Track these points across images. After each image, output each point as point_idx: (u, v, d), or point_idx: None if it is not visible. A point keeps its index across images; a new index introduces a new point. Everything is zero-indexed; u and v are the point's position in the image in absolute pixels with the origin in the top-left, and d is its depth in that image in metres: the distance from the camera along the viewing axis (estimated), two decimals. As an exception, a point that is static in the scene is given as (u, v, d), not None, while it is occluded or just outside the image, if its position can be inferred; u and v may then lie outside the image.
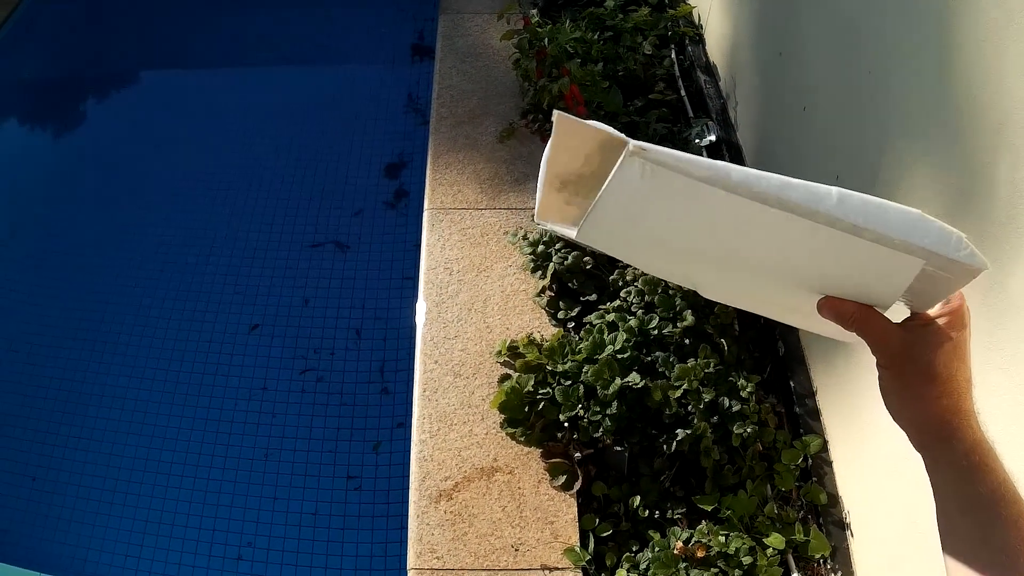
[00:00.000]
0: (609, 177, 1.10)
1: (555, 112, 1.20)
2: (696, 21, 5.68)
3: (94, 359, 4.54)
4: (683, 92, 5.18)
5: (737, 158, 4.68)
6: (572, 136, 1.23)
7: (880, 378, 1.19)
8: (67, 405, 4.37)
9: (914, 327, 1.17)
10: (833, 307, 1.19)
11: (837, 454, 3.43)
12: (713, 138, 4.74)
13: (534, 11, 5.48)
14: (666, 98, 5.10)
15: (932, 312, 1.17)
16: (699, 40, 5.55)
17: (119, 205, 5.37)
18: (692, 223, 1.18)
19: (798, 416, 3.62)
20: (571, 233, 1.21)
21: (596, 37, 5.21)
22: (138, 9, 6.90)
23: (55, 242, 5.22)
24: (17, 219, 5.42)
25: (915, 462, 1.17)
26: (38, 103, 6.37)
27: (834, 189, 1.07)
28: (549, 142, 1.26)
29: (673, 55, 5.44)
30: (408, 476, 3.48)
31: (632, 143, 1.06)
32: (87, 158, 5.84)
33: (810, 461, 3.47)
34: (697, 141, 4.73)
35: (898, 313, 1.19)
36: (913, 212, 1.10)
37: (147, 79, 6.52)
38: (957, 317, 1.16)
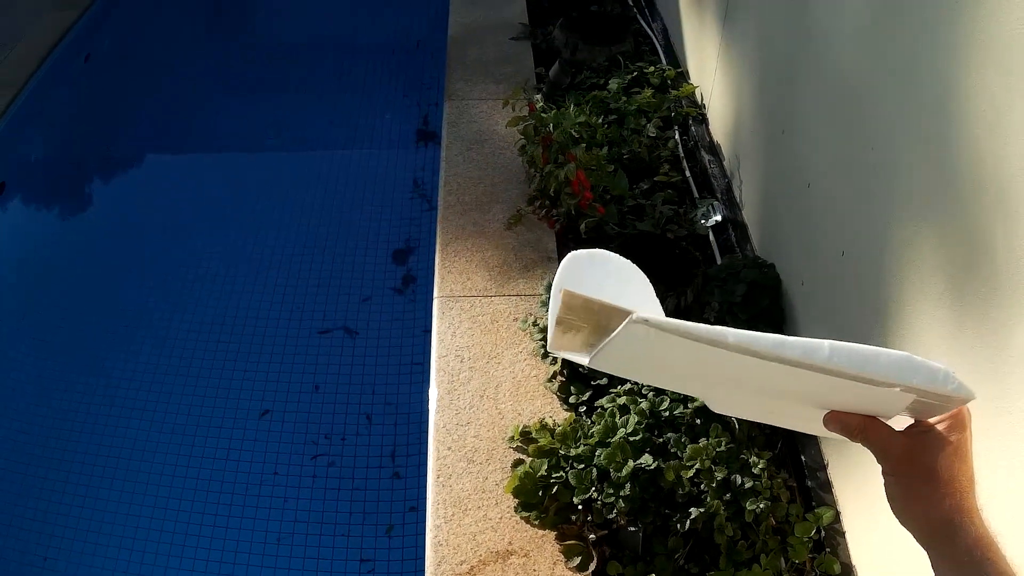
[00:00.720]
0: (613, 334, 1.14)
1: (564, 291, 1.25)
2: (699, 101, 5.72)
3: (104, 443, 4.53)
4: (688, 172, 5.22)
5: (743, 237, 4.68)
6: (579, 300, 1.27)
7: (885, 484, 1.23)
8: (76, 488, 4.36)
9: (916, 433, 1.22)
10: (838, 420, 1.24)
11: (850, 525, 3.43)
12: (719, 218, 4.77)
13: (538, 96, 5.50)
14: (671, 179, 5.13)
15: (934, 417, 1.21)
16: (702, 120, 5.57)
17: (125, 289, 5.38)
18: (696, 365, 1.23)
19: (810, 489, 3.63)
20: (583, 360, 1.26)
21: (600, 121, 5.25)
22: (145, 92, 7.00)
23: (61, 323, 5.23)
24: (22, 300, 5.44)
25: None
26: (44, 184, 6.42)
27: (826, 343, 1.11)
28: (556, 287, 1.31)
29: (677, 136, 5.48)
30: (422, 559, 3.46)
31: (635, 315, 1.10)
32: (92, 241, 5.88)
33: (823, 533, 3.46)
34: (703, 222, 4.75)
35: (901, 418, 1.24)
36: (901, 356, 1.14)
37: (153, 162, 6.58)
38: (957, 421, 1.21)
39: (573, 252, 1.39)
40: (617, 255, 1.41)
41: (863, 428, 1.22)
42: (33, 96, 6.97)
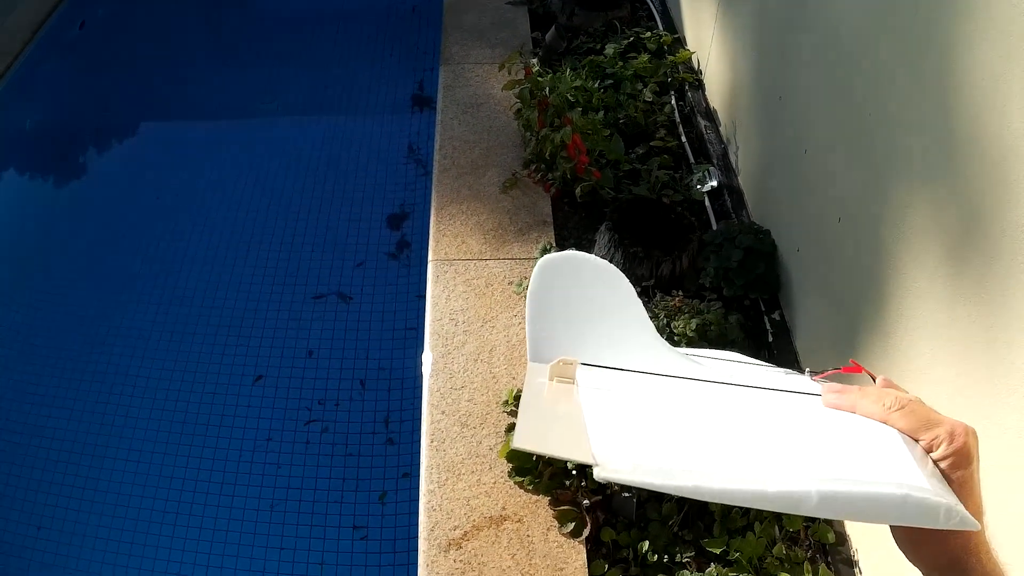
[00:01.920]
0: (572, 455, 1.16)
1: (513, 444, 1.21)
2: (696, 67, 5.71)
3: (96, 409, 4.53)
4: (684, 138, 5.21)
5: (739, 203, 4.68)
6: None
7: (891, 526, 1.18)
8: (71, 455, 4.36)
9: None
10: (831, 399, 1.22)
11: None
12: (715, 183, 4.77)
13: (534, 60, 5.50)
14: (667, 144, 5.12)
15: (936, 455, 1.15)
16: (699, 86, 5.57)
17: (119, 255, 5.38)
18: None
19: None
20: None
21: (597, 85, 5.25)
22: (140, 60, 6.96)
23: (54, 290, 5.23)
24: (14, 268, 5.43)
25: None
26: (38, 152, 6.39)
27: (813, 490, 1.03)
28: (530, 296, 1.36)
29: (673, 101, 5.47)
30: (415, 525, 3.47)
31: (596, 471, 1.08)
32: (88, 208, 5.86)
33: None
34: (699, 187, 4.75)
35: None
36: (896, 497, 1.05)
37: (148, 130, 6.53)
38: (962, 456, 1.14)
39: (547, 256, 1.36)
40: (595, 257, 1.37)
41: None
42: (28, 64, 6.96)
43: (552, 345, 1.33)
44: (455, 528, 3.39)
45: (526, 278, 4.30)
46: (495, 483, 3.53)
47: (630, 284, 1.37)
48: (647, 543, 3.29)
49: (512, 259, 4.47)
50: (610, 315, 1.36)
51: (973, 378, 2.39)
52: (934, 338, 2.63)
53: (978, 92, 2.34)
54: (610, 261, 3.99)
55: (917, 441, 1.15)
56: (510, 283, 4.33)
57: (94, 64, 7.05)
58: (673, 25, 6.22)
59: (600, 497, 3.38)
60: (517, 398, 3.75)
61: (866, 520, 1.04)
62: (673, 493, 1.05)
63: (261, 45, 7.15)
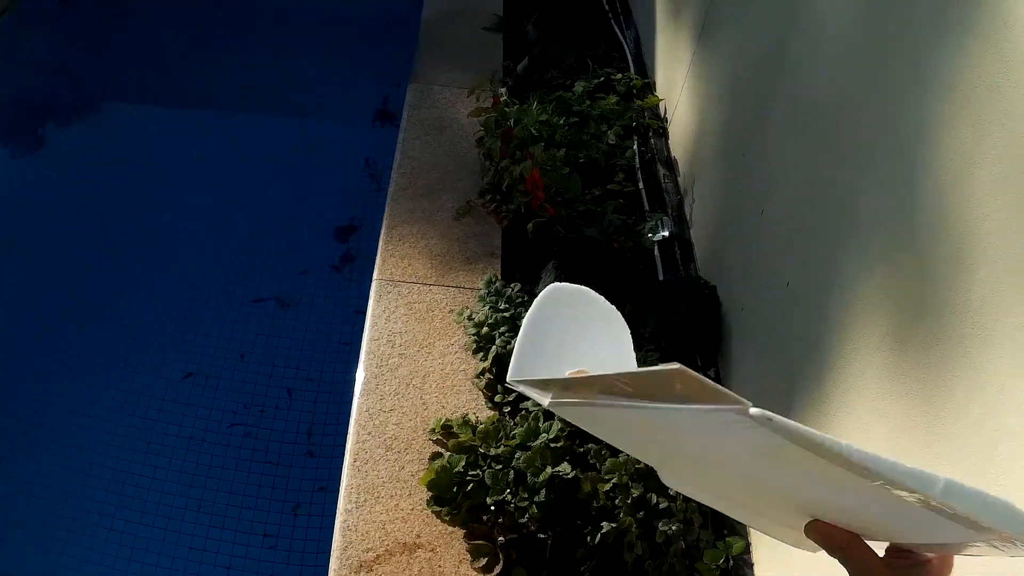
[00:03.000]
0: (589, 400, 1.11)
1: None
2: (662, 114, 5.71)
3: (27, 395, 4.54)
4: (641, 185, 5.20)
5: (688, 255, 4.68)
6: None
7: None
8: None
9: (901, 566, 1.09)
10: (823, 532, 1.11)
11: (759, 556, 3.43)
12: (667, 233, 4.75)
13: (504, 90, 5.50)
14: (624, 189, 5.12)
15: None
16: (663, 133, 5.57)
17: (61, 237, 5.35)
18: (677, 445, 1.18)
19: (723, 517, 3.62)
20: (542, 400, 1.18)
21: (562, 122, 5.24)
22: (115, 39, 6.94)
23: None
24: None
25: (836, 569, 1.14)
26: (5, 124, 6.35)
27: (941, 478, 0.94)
28: (530, 318, 1.34)
29: (636, 146, 5.45)
30: (326, 540, 3.46)
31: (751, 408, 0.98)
32: (40, 186, 5.83)
33: (731, 562, 3.45)
34: (651, 235, 4.73)
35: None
36: (1010, 502, 0.95)
37: (113, 111, 6.55)
38: (946, 561, 1.10)
39: (557, 284, 1.37)
40: (602, 298, 1.37)
41: (846, 546, 1.09)
42: (5, 36, 6.91)
43: (536, 364, 1.30)
44: (368, 551, 3.37)
45: (468, 308, 4.30)
46: (413, 510, 3.51)
47: (628, 330, 1.37)
48: (557, 586, 3.27)
49: (457, 287, 4.45)
50: (601, 351, 1.33)
51: (910, 455, 2.39)
52: (872, 412, 2.63)
53: (946, 173, 2.34)
54: (555, 300, 4.01)
55: None
56: (451, 311, 4.32)
57: (70, 38, 7.02)
58: (645, 69, 6.23)
59: (516, 535, 3.37)
60: (444, 427, 3.75)
61: (979, 520, 0.96)
62: (811, 447, 0.97)
63: (239, 39, 7.16)
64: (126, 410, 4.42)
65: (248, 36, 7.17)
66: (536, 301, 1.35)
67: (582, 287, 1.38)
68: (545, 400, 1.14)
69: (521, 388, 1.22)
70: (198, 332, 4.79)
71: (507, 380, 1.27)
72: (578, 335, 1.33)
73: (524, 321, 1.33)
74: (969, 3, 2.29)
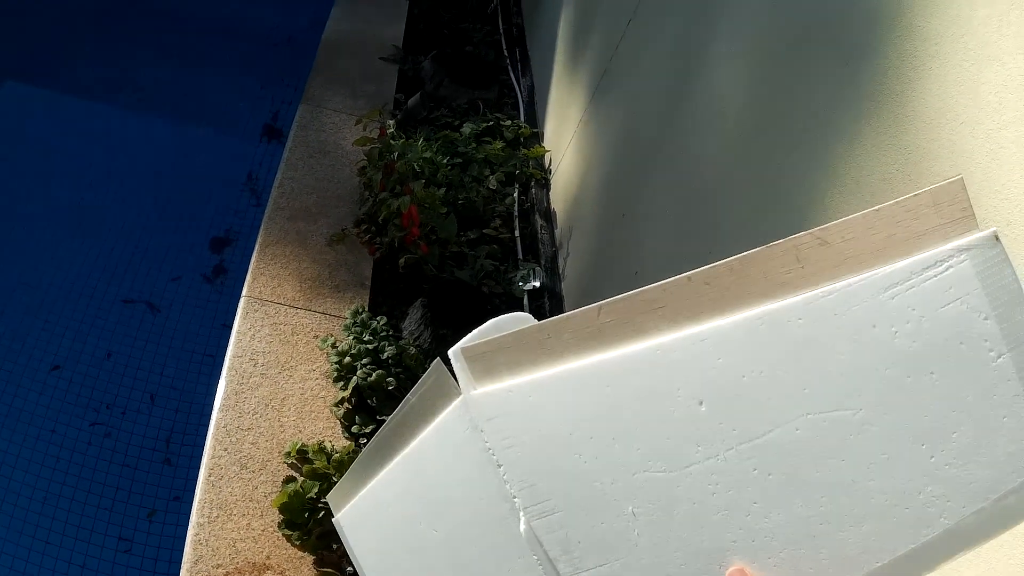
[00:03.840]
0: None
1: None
2: (546, 165, 5.79)
3: None
4: (518, 233, 5.28)
5: (558, 308, 4.78)
6: None
7: None
8: None
9: None
10: None
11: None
12: (537, 284, 4.83)
13: (392, 122, 5.55)
14: (500, 235, 5.20)
15: None
16: (545, 184, 5.65)
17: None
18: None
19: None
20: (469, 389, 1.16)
21: (445, 161, 5.29)
22: (15, 15, 6.86)
23: None
24: None
25: None
26: None
27: None
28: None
29: (516, 194, 5.53)
30: (180, 550, 3.47)
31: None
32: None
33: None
34: (521, 284, 4.82)
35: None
36: None
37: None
38: None
39: (500, 316, 1.28)
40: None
41: None
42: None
43: None
44: (218, 567, 3.41)
45: (332, 335, 4.35)
46: (264, 531, 3.56)
47: None
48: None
49: (323, 314, 4.50)
50: None
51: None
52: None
53: None
54: (418, 337, 4.11)
55: None
56: (316, 336, 4.36)
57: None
58: (535, 119, 6.32)
59: None
60: (300, 452, 3.80)
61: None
62: None
63: (136, 38, 7.06)
64: (-13, 396, 4.43)
65: (146, 37, 7.09)
66: (481, 329, 1.25)
67: (523, 314, 1.28)
68: (475, 389, 1.14)
69: (457, 367, 1.17)
70: (68, 325, 4.79)
71: (452, 350, 1.19)
72: None
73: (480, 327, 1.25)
74: (865, 90, 2.40)
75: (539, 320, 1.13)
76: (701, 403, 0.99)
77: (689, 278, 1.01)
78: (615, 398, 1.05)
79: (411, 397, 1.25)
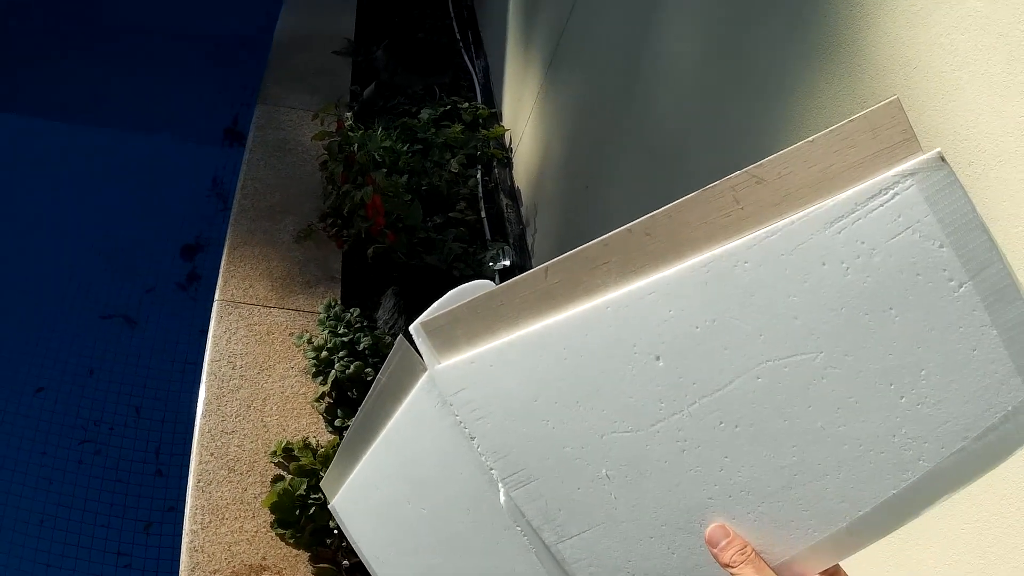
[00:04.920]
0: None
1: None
2: (507, 144, 5.82)
3: None
4: (484, 214, 5.32)
5: (531, 287, 4.75)
6: None
7: None
8: None
9: None
10: (720, 536, 1.01)
11: None
12: (508, 263, 4.88)
13: (349, 114, 5.56)
14: (466, 218, 5.23)
15: None
16: (507, 164, 5.68)
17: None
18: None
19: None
20: (433, 362, 1.14)
21: (406, 148, 5.31)
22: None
23: None
24: None
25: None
26: None
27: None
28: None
29: (479, 175, 5.56)
30: (178, 560, 3.50)
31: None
32: None
33: None
34: (491, 264, 4.86)
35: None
36: None
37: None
38: None
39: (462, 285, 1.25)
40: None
41: (746, 560, 0.99)
42: None
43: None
44: (215, 572, 3.45)
45: (307, 331, 4.39)
46: (257, 532, 3.60)
47: None
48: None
49: (296, 310, 4.53)
50: None
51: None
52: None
53: None
54: (393, 326, 4.15)
55: None
56: (291, 334, 4.40)
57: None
58: (493, 99, 6.35)
59: (359, 560, 3.45)
60: (286, 450, 3.84)
61: None
62: None
63: (85, 46, 7.05)
64: (-25, 423, 4.45)
65: (97, 48, 7.08)
66: (443, 299, 1.23)
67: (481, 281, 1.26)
68: (439, 363, 1.11)
69: (419, 342, 1.14)
70: (48, 347, 4.82)
71: (413, 326, 1.16)
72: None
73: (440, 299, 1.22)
74: (816, 42, 2.44)
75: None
76: (658, 358, 0.98)
77: (630, 230, 1.01)
78: (573, 360, 1.03)
79: (382, 376, 1.25)
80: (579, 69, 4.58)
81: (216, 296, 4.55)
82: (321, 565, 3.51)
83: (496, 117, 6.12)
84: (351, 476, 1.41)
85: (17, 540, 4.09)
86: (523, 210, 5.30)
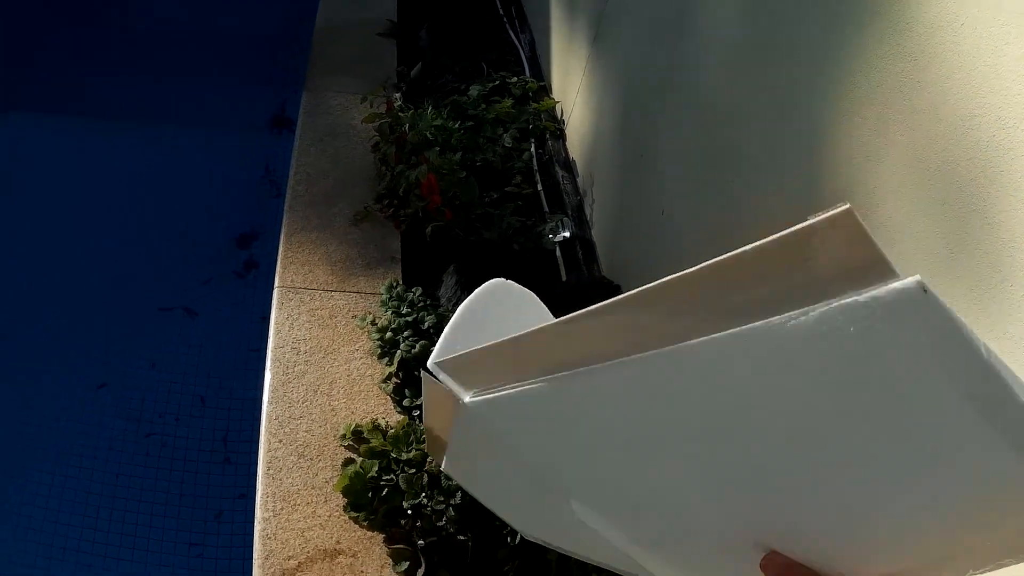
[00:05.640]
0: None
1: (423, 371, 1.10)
2: (559, 116, 5.76)
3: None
4: (540, 187, 5.26)
5: (591, 256, 4.75)
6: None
7: None
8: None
9: None
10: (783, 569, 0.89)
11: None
12: (567, 234, 4.81)
13: (398, 95, 5.54)
14: (522, 191, 5.17)
15: None
16: (560, 135, 5.62)
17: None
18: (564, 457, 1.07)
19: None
20: (463, 396, 1.09)
21: (457, 126, 5.27)
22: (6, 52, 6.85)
23: None
24: None
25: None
26: None
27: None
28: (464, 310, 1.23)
29: (532, 148, 5.50)
30: (250, 547, 3.48)
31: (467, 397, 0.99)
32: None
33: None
34: (551, 237, 4.80)
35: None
36: None
37: (17, 123, 6.44)
38: None
39: (497, 281, 1.28)
40: (527, 290, 1.31)
41: None
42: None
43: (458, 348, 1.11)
44: (289, 558, 3.41)
45: (370, 313, 4.35)
46: (330, 516, 3.55)
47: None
48: (479, 588, 3.34)
49: (358, 293, 4.49)
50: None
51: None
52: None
53: (848, 170, 2.43)
54: (455, 303, 4.10)
55: None
56: (354, 316, 4.35)
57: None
58: (541, 72, 6.30)
59: (435, 538, 3.43)
60: (355, 433, 3.80)
61: None
62: None
63: (130, 46, 7.09)
64: (42, 423, 4.44)
65: (140, 50, 7.10)
66: (472, 295, 1.26)
67: (525, 290, 1.31)
68: (466, 396, 1.04)
69: (442, 377, 1.07)
70: (109, 343, 4.81)
71: (427, 364, 1.09)
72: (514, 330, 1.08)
73: (456, 314, 1.22)
74: (866, 4, 2.38)
75: (522, 284, 1.17)
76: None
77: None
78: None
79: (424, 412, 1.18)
80: (625, 35, 4.54)
81: (276, 283, 4.51)
82: (396, 546, 3.45)
83: (545, 90, 6.06)
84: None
85: (87, 536, 4.07)
86: (579, 181, 5.25)
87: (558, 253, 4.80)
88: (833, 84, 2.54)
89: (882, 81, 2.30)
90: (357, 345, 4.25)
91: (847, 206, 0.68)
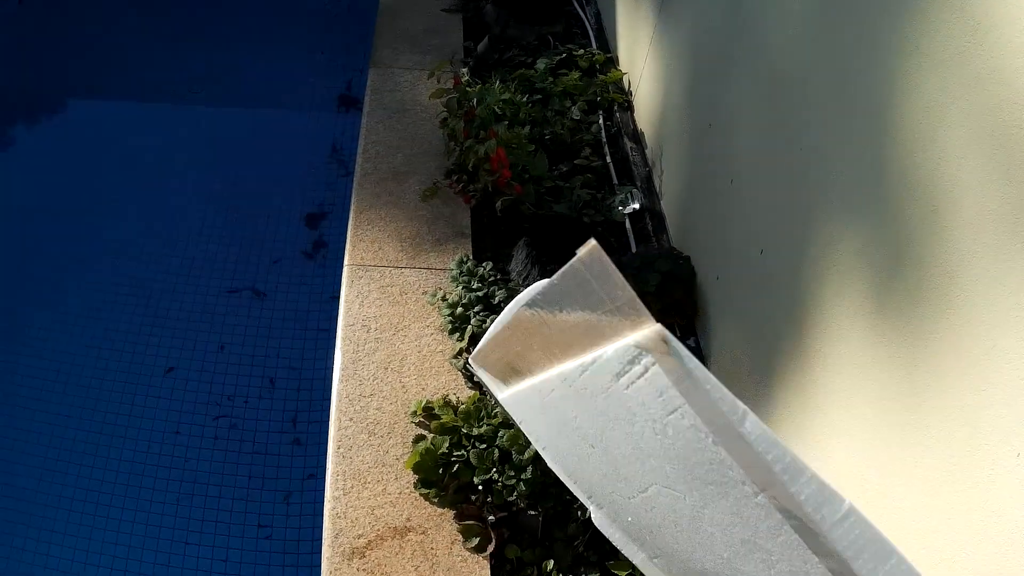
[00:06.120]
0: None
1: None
2: (626, 88, 5.72)
3: (3, 389, 4.50)
4: (609, 159, 5.20)
5: (660, 227, 4.70)
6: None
7: None
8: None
9: None
10: None
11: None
12: (637, 206, 4.76)
13: (464, 70, 5.51)
14: (592, 164, 5.12)
15: None
16: (628, 107, 5.58)
17: (36, 237, 5.32)
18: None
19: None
20: (497, 392, 1.18)
21: (525, 100, 5.23)
22: (75, 38, 6.88)
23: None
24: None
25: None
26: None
27: (844, 500, 0.87)
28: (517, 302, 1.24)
29: (601, 121, 5.47)
30: (319, 527, 3.46)
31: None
32: (6, 187, 5.77)
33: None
34: (621, 208, 4.75)
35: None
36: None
37: (75, 109, 6.50)
38: None
39: (543, 282, 1.30)
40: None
41: None
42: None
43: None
44: (359, 536, 3.38)
45: (441, 289, 4.31)
46: (400, 493, 3.52)
47: None
48: (552, 562, 3.29)
49: (428, 269, 4.45)
50: None
51: (891, 419, 2.41)
52: (853, 376, 2.64)
53: (914, 133, 2.37)
54: (526, 277, 4.04)
55: None
56: (424, 293, 4.32)
57: (30, 39, 6.97)
58: (607, 44, 6.25)
59: (505, 513, 3.40)
60: (426, 409, 3.76)
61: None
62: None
63: (196, 30, 7.12)
64: (110, 408, 4.44)
65: (207, 30, 7.13)
66: (517, 297, 1.32)
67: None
68: (501, 393, 1.17)
69: (481, 373, 1.24)
70: (176, 326, 4.81)
71: (470, 360, 1.25)
72: None
73: (502, 314, 1.30)
74: None
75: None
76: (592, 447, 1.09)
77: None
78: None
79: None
80: (691, 3, 4.50)
81: (346, 261, 4.49)
82: (466, 522, 3.42)
83: (612, 62, 6.01)
84: None
85: (154, 520, 4.08)
86: (648, 152, 5.20)
87: (628, 225, 4.74)
88: (897, 46, 2.48)
89: (946, 45, 2.24)
90: (428, 321, 4.21)
91: (593, 243, 0.78)
